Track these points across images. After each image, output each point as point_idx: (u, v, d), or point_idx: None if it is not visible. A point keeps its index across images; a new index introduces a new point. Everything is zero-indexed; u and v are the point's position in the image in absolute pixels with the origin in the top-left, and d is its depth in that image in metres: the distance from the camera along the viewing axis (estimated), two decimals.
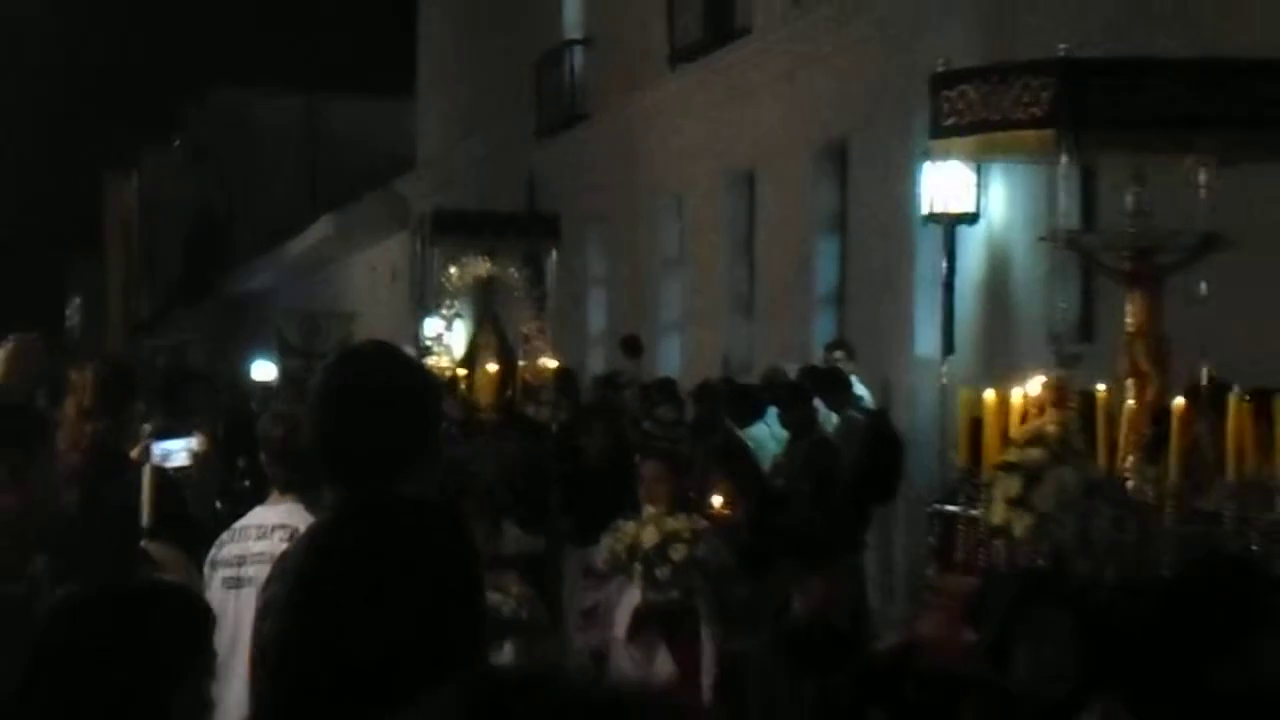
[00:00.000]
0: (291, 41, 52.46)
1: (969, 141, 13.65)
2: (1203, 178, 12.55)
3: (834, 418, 19.80)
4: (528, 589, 13.57)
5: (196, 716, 4.62)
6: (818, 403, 19.79)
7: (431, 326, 24.03)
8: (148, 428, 13.46)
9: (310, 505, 8.68)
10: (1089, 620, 8.22)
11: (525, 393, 21.69)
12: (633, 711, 2.16)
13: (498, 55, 36.89)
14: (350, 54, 49.13)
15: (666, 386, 22.67)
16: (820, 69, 23.94)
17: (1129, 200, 12.62)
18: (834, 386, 20.30)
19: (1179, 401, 11.45)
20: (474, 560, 4.84)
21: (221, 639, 5.15)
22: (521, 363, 22.91)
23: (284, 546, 7.77)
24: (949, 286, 21.23)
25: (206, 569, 9.23)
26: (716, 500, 14.36)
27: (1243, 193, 12.81)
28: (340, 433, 5.69)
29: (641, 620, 13.11)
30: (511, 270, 24.79)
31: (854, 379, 20.67)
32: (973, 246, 20.59)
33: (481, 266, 24.05)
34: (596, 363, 27.52)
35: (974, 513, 11.48)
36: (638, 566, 13.12)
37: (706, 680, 12.78)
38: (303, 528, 7.12)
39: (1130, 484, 11.30)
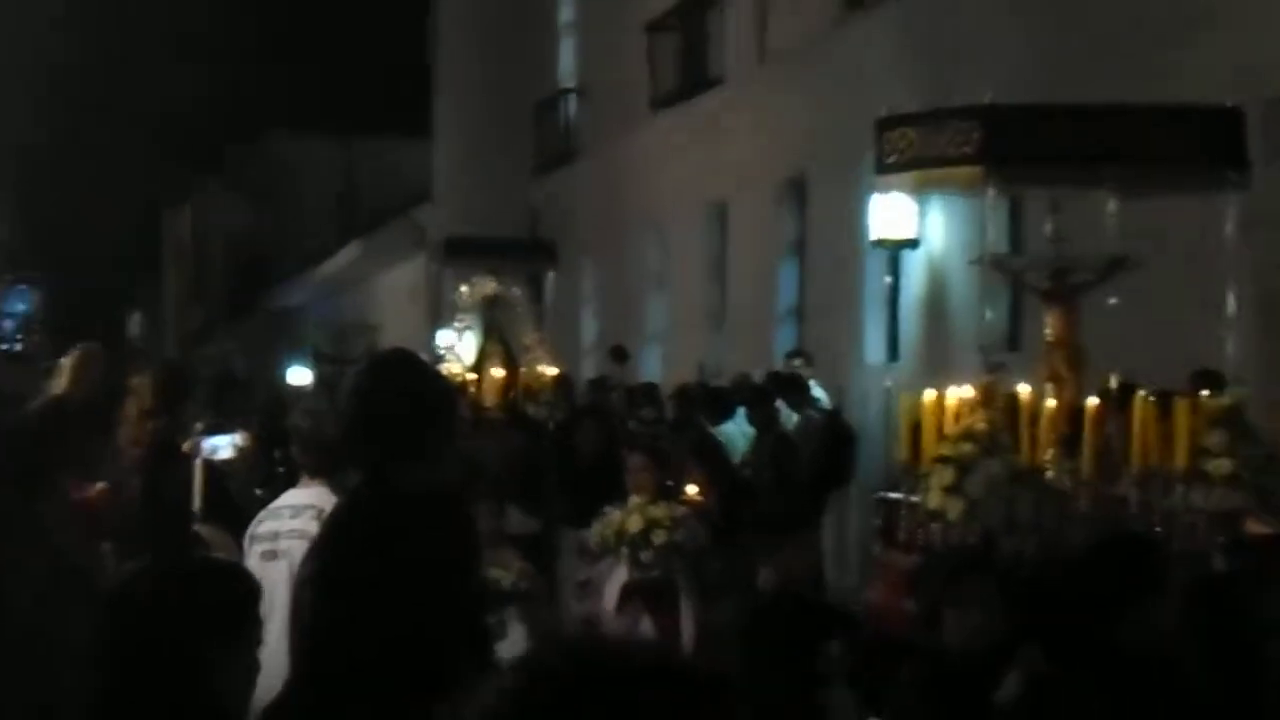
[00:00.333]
0: (326, 92, 52.44)
1: (910, 176, 13.68)
2: (1111, 207, 12.58)
3: (794, 417, 19.78)
4: (527, 565, 13.56)
5: (245, 678, 4.62)
6: (780, 404, 19.79)
7: (445, 337, 23.98)
8: (199, 426, 13.45)
9: (335, 488, 8.67)
10: (1012, 589, 8.23)
11: (526, 395, 21.64)
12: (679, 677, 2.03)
13: (502, 103, 36.83)
14: (376, 103, 49.07)
15: (649, 390, 22.66)
16: (783, 114, 23.91)
17: (1048, 227, 12.65)
18: (794, 389, 20.28)
19: (1092, 402, 11.46)
20: (474, 538, 4.84)
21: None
22: (523, 369, 22.86)
23: (313, 524, 7.76)
24: (893, 303, 21.23)
25: (246, 543, 9.22)
26: (692, 489, 14.33)
27: (1146, 220, 12.80)
28: (366, 427, 5.70)
29: (628, 595, 13.12)
30: (515, 289, 24.71)
31: (811, 383, 20.65)
32: (914, 268, 20.56)
33: (488, 285, 23.97)
34: (588, 369, 27.41)
35: (914, 499, 11.50)
36: (624, 549, 13.14)
37: (686, 648, 12.78)
38: (328, 507, 7.12)
39: (1050, 474, 11.31)
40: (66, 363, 12.82)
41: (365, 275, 46.49)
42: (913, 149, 12.98)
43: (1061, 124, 12.93)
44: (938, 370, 16.31)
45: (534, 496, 16.04)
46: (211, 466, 12.31)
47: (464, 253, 29.63)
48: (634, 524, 13.08)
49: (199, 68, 59.33)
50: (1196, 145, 12.94)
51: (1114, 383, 11.65)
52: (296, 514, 9.08)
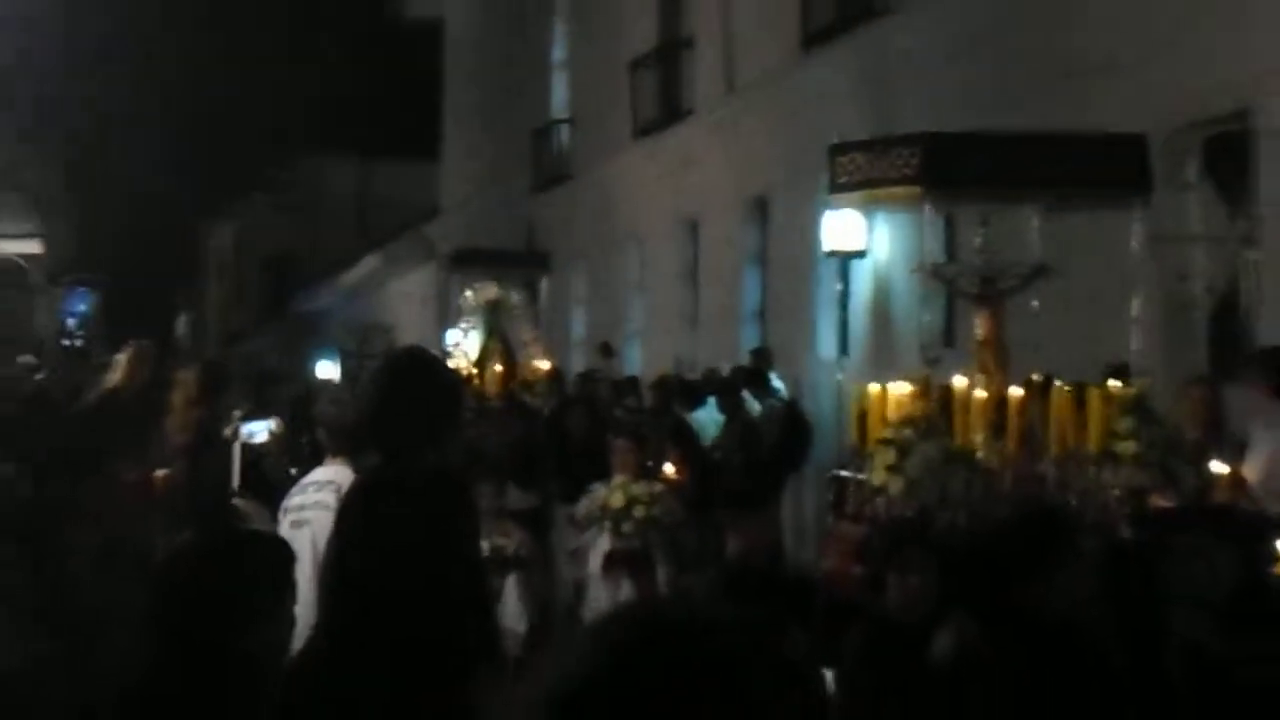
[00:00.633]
0: (348, 121, 52.43)
1: (858, 196, 13.66)
2: (1034, 222, 12.58)
3: (758, 405, 19.77)
4: (526, 535, 13.61)
5: (282, 633, 4.61)
6: (745, 394, 19.79)
7: (452, 336, 23.89)
8: (238, 414, 13.45)
9: (354, 466, 8.69)
10: (946, 557, 8.23)
11: (524, 387, 21.58)
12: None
13: (502, 131, 36.78)
14: (392, 131, 49.04)
15: (631, 382, 22.70)
16: (746, 141, 23.89)
17: (978, 240, 12.64)
18: (757, 381, 20.28)
19: (1016, 392, 11.46)
20: (474, 511, 4.86)
21: None
22: (521, 364, 22.82)
23: (333, 497, 7.78)
24: (843, 306, 21.20)
25: (280, 514, 9.26)
26: (669, 468, 14.35)
27: (1064, 234, 12.82)
28: (384, 414, 5.71)
29: (611, 561, 13.15)
30: (513, 294, 24.61)
31: (772, 376, 20.66)
32: (861, 275, 20.54)
33: (490, 291, 23.89)
34: (578, 364, 27.36)
35: (862, 477, 11.50)
36: (608, 522, 13.17)
37: None
38: (346, 483, 7.13)
39: (979, 455, 11.31)
40: (120, 358, 12.81)
41: (382, 282, 46.44)
42: (860, 171, 12.99)
43: (990, 149, 12.94)
44: (882, 365, 16.32)
45: (530, 476, 16.05)
46: (249, 449, 12.34)
47: (469, 262, 29.52)
48: (617, 500, 13.15)
49: (239, 100, 59.31)
50: (1107, 169, 12.94)
51: (1036, 375, 11.64)
52: (320, 489, 9.11)
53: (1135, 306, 13.48)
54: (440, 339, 25.95)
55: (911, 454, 11.15)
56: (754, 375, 20.53)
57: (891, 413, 11.61)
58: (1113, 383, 11.81)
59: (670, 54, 27.73)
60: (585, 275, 31.47)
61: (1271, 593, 9.71)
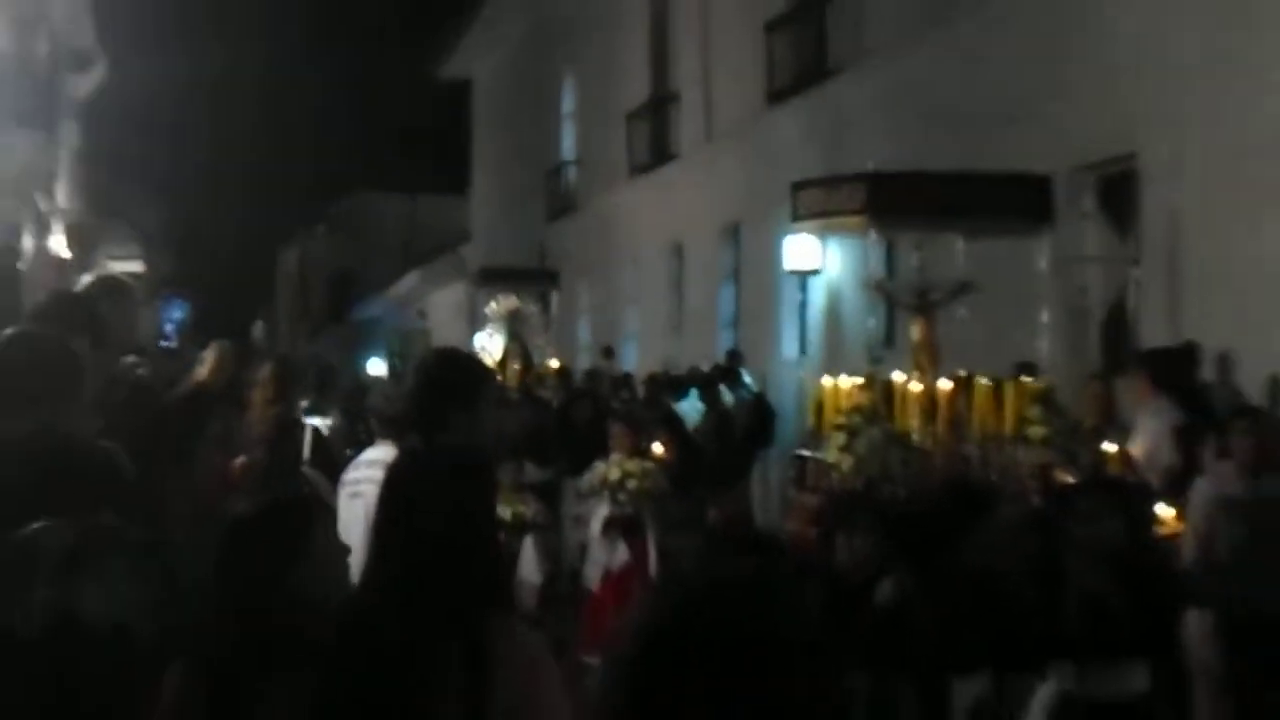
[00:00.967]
0: (394, 163, 52.52)
1: (815, 223, 13.67)
2: (959, 246, 12.59)
3: (732, 397, 19.77)
4: (540, 503, 13.61)
5: (338, 588, 4.60)
6: (722, 387, 19.80)
7: (479, 340, 23.87)
8: (304, 404, 13.43)
9: (399, 447, 8.68)
10: (887, 523, 8.23)
11: (537, 381, 21.57)
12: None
13: (521, 169, 36.79)
14: (430, 170, 49.11)
15: (626, 378, 22.70)
16: (722, 178, 23.89)
17: (914, 260, 12.66)
18: (731, 377, 20.28)
19: (945, 386, 11.46)
20: (492, 485, 4.89)
21: (345, 530, 5.17)
22: (536, 363, 22.82)
23: (380, 473, 7.77)
24: (802, 315, 21.23)
25: (340, 487, 9.26)
26: (658, 448, 14.33)
27: (984, 256, 12.82)
28: (424, 403, 5.70)
29: (608, 525, 13.11)
30: (530, 305, 24.62)
31: (744, 373, 20.66)
32: (817, 290, 20.55)
33: (511, 302, 23.86)
34: (583, 363, 27.36)
35: (818, 456, 11.50)
36: (606, 492, 13.16)
37: (650, 565, 12.77)
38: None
39: (915, 438, 11.31)
40: (206, 356, 12.78)
41: (422, 295, 46.45)
42: (816, 204, 13.00)
43: (923, 186, 12.95)
44: (834, 363, 16.30)
45: (544, 455, 16.04)
46: (318, 432, 12.34)
47: (493, 279, 29.45)
48: (614, 474, 13.11)
49: (304, 147, 59.42)
50: (1018, 203, 12.96)
51: (961, 372, 11.64)
52: (371, 466, 9.08)
53: (1042, 315, 13.51)
54: (470, 342, 25.92)
55: (859, 437, 11.15)
56: (728, 372, 20.55)
57: (842, 403, 11.60)
58: (1024, 378, 11.82)
59: (659, 107, 27.73)
60: (589, 289, 31.46)
61: (1152, 548, 9.75)
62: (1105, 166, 14.54)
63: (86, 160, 33.56)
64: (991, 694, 7.65)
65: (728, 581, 2.28)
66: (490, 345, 22.80)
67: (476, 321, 27.00)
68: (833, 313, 20.08)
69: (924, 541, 7.76)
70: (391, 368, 31.47)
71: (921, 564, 7.61)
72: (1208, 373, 12.26)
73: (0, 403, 4.64)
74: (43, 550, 3.27)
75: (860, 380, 11.78)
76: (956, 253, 12.53)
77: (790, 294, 21.51)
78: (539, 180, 35.06)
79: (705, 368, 21.09)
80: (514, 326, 23.29)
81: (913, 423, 11.38)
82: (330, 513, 5.22)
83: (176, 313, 46.97)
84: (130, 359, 7.92)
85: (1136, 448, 11.66)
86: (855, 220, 12.75)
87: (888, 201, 12.43)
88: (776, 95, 22.10)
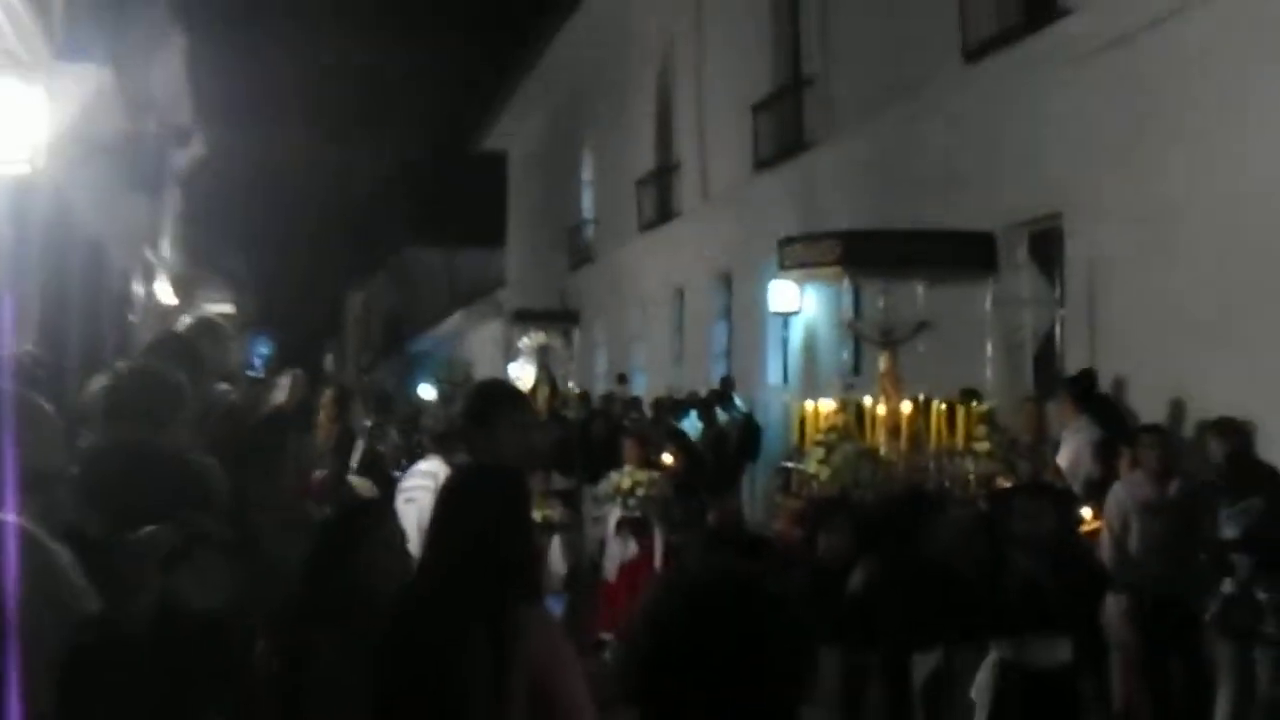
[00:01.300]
0: (441, 222, 52.64)
1: (796, 272, 13.63)
2: (919, 291, 12.55)
3: (726, 417, 19.75)
4: (565, 507, 13.57)
5: (387, 559, 4.61)
6: (717, 409, 19.78)
7: (513, 370, 23.95)
8: (367, 424, 13.42)
9: (448, 460, 8.63)
10: (860, 523, 8.20)
11: (562, 404, 21.59)
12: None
13: (548, 226, 36.85)
14: (472, 227, 49.20)
15: (636, 401, 22.69)
16: (718, 233, 23.89)
17: (880, 303, 12.62)
18: (725, 400, 20.26)
19: (907, 409, 11.43)
20: (526, 496, 4.87)
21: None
22: (561, 389, 22.83)
23: (431, 482, 7.70)
24: (785, 349, 21.20)
25: (397, 493, 9.20)
26: (668, 458, 14.31)
27: (938, 300, 12.78)
28: (469, 423, 5.68)
29: (620, 525, 13.11)
30: (556, 340, 24.73)
31: (735, 397, 20.64)
32: (797, 327, 20.53)
33: (540, 338, 23.99)
34: (600, 388, 27.35)
35: (800, 467, 11.45)
36: (619, 498, 13.14)
37: (657, 560, 12.74)
38: (443, 473, 7.09)
39: (882, 452, 11.27)
40: (283, 382, 12.77)
41: (465, 332, 46.51)
42: (798, 256, 12.96)
43: (888, 241, 12.93)
44: (812, 389, 16.28)
45: (567, 466, 16.02)
46: (373, 449, 12.31)
47: (525, 318, 29.60)
48: (625, 483, 13.14)
49: (367, 208, 59.56)
50: (966, 255, 12.91)
51: (920, 397, 11.61)
52: (423, 476, 9.01)
53: (986, 349, 13.48)
54: (506, 371, 25.94)
55: (835, 451, 11.10)
56: (722, 396, 20.54)
57: (820, 423, 11.56)
58: (971, 402, 11.80)
59: (663, 174, 27.74)
60: (605, 327, 31.47)
61: (1077, 542, 9.74)
62: (1036, 224, 14.52)
63: (186, 221, 33.64)
64: (945, 664, 7.61)
65: (724, 580, 2.33)
66: (522, 374, 22.82)
67: (511, 354, 27.02)
68: (810, 347, 20.06)
69: (889, 537, 7.73)
70: (440, 393, 31.42)
71: (887, 557, 7.57)
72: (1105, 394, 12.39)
73: (117, 416, 4.69)
74: (151, 550, 3.26)
75: (835, 404, 11.74)
76: (915, 297, 12.50)
77: (774, 331, 21.49)
78: (562, 236, 35.09)
79: (702, 392, 21.09)
80: (542, 358, 23.34)
81: (880, 439, 11.34)
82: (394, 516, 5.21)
83: (261, 347, 46.95)
84: (223, 387, 7.89)
85: (1063, 458, 11.65)
86: (832, 270, 12.72)
87: (858, 254, 12.41)
88: (761, 164, 22.10)
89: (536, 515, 11.69)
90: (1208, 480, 9.78)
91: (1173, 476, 10.14)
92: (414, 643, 4.29)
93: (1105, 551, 10.08)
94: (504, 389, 6.18)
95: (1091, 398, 12.12)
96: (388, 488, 10.43)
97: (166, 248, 27.42)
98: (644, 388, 26.51)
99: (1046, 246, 14.47)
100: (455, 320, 47.33)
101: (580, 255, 33.76)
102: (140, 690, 2.79)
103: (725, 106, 23.90)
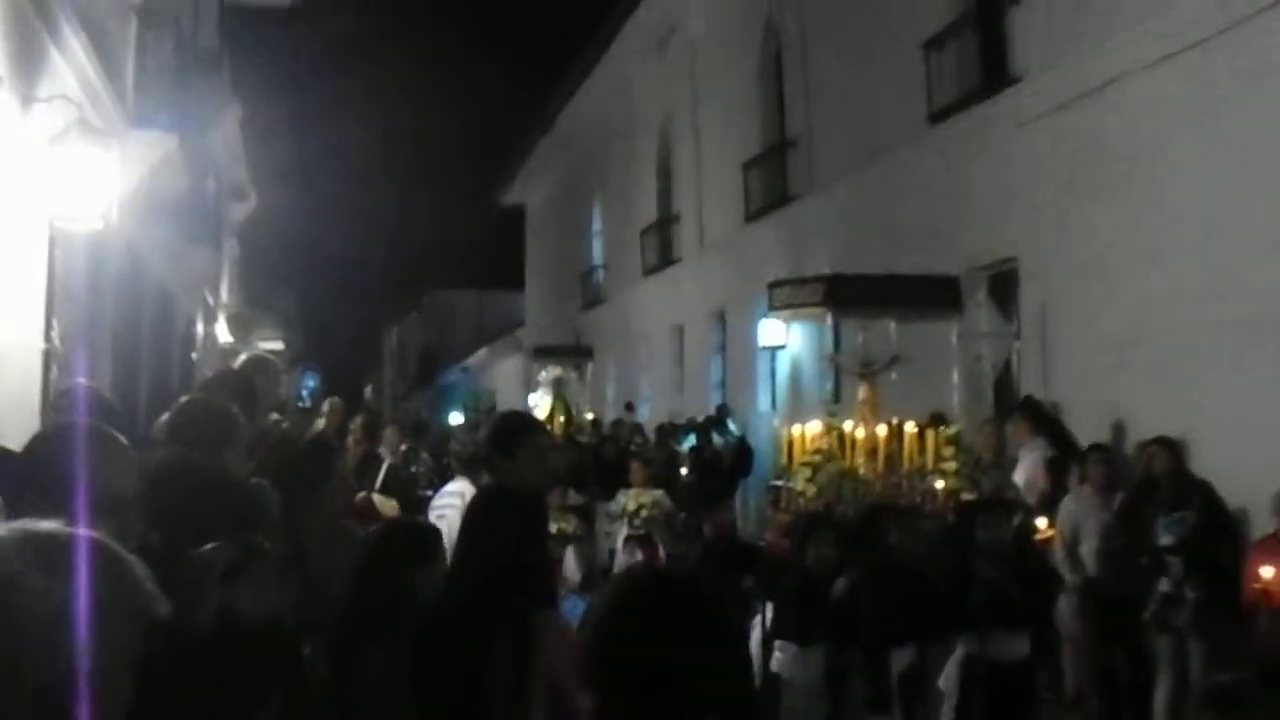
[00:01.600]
0: (468, 266, 52.77)
1: (784, 312, 13.66)
2: (893, 328, 12.56)
3: (721, 440, 19.72)
4: (580, 521, 13.56)
5: (436, 583, 4.59)
6: (713, 433, 19.75)
7: (533, 400, 23.89)
8: (403, 448, 13.38)
9: (474, 482, 8.62)
10: (842, 534, 8.19)
11: (576, 430, 21.58)
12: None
13: (563, 270, 36.90)
14: (495, 272, 49.32)
15: (640, 427, 22.65)
16: (713, 276, 23.91)
17: (859, 338, 12.63)
18: (720, 426, 20.24)
19: (882, 432, 11.42)
20: (544, 515, 4.85)
21: None
22: (575, 416, 22.81)
23: (459, 500, 7.68)
24: (773, 379, 21.16)
25: (429, 510, 9.19)
26: (684, 471, 14.34)
27: (910, 335, 12.80)
28: (493, 451, 5.65)
29: (628, 540, 13.13)
30: (570, 373, 24.70)
31: (730, 422, 20.61)
32: (784, 360, 20.53)
33: (556, 371, 23.92)
34: (610, 415, 27.32)
35: (789, 485, 11.44)
36: (626, 517, 13.16)
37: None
38: (469, 494, 7.08)
39: (861, 471, 11.26)
40: (325, 409, 12.72)
41: (489, 365, 46.49)
42: (786, 298, 12.99)
43: (866, 284, 12.97)
44: (798, 415, 16.27)
45: (581, 484, 16.00)
46: (392, 466, 12.27)
47: (543, 354, 29.52)
48: (631, 506, 13.22)
49: (402, 256, 59.73)
50: (934, 296, 12.96)
51: (894, 421, 11.62)
52: (452, 495, 9.06)
53: (952, 378, 13.48)
54: (525, 401, 25.92)
55: (820, 471, 11.09)
56: (718, 421, 20.53)
57: (806, 445, 11.55)
58: (940, 426, 11.79)
59: (665, 224, 27.79)
60: (614, 361, 31.46)
61: (1032, 550, 9.74)
62: (994, 268, 14.54)
63: (243, 267, 33.71)
64: (919, 659, 7.60)
65: (662, 579, 2.38)
66: (541, 404, 22.81)
67: (531, 385, 27.00)
68: (796, 378, 20.06)
69: (866, 547, 7.72)
70: (467, 420, 31.41)
71: (867, 564, 7.57)
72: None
73: (175, 440, 4.71)
74: (212, 564, 3.26)
75: (819, 428, 11.73)
76: (890, 333, 12.51)
77: (764, 364, 21.47)
78: (576, 279, 35.12)
79: (700, 418, 21.06)
80: (558, 389, 23.31)
81: (859, 460, 11.33)
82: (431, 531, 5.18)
83: (309, 380, 47.06)
84: (275, 416, 7.90)
85: (1019, 475, 11.64)
86: (816, 310, 12.75)
87: (839, 295, 12.44)
88: (752, 215, 22.15)
89: (553, 527, 11.71)
90: (1145, 491, 9.78)
91: (1117, 490, 10.15)
92: (445, 643, 4.28)
93: (1058, 557, 10.08)
94: (523, 420, 6.15)
95: (1044, 420, 12.11)
96: (413, 507, 10.42)
97: (225, 291, 27.46)
98: (649, 414, 26.49)
99: (1004, 288, 14.48)
100: (481, 355, 47.34)
101: (592, 297, 33.78)
102: (202, 694, 2.79)
103: (719, 164, 23.98)
